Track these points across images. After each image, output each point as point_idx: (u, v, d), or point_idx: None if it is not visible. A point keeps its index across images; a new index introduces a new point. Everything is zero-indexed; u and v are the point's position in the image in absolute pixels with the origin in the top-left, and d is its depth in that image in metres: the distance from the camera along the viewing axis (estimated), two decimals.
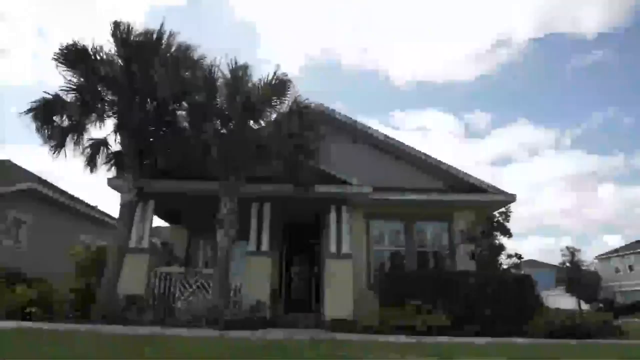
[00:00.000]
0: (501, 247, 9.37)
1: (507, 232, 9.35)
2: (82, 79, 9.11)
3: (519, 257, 9.46)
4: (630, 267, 43.11)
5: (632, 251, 43.06)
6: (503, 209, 9.64)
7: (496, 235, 9.57)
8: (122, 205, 9.66)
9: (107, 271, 9.36)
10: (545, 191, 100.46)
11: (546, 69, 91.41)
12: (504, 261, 9.48)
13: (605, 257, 46.91)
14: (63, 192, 16.81)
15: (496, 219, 9.56)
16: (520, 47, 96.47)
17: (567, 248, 33.38)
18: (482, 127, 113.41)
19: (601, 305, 33.79)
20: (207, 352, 4.50)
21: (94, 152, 10.59)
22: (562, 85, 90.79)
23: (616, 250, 46.22)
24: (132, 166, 9.87)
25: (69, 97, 9.44)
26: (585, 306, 30.94)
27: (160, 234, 21.26)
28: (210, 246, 13.97)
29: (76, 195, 18.41)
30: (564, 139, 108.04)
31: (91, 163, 10.58)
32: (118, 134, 10.15)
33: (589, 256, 42.70)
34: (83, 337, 5.69)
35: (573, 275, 31.66)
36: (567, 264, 33.13)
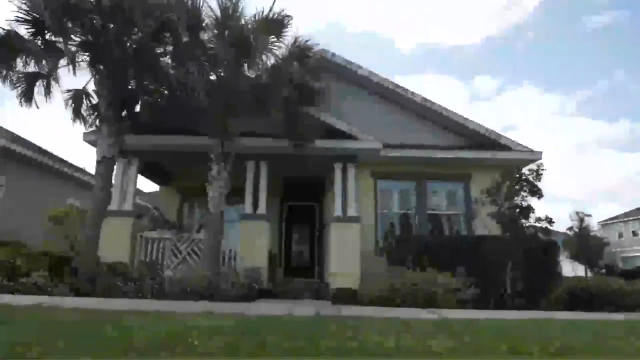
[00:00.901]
0: (529, 209, 8.24)
1: (537, 192, 8.19)
2: (44, 10, 7.60)
3: (550, 220, 8.36)
4: (634, 233, 42.73)
5: (634, 217, 42.53)
6: (533, 166, 8.44)
7: (524, 196, 8.42)
8: (98, 162, 8.45)
9: (83, 236, 8.28)
10: (546, 157, 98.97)
11: (556, 31, 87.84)
12: (532, 225, 8.37)
13: (608, 223, 46.37)
14: (45, 152, 15.53)
15: (524, 177, 8.37)
16: (529, 9, 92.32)
17: (577, 213, 32.44)
18: (487, 91, 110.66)
19: (603, 270, 33.34)
20: (182, 340, 3.42)
21: (78, 104, 9.26)
22: (570, 49, 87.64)
23: (619, 217, 45.69)
24: (108, 117, 8.58)
25: (26, 34, 8.01)
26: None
27: (151, 196, 20.21)
28: (204, 210, 12.87)
29: (67, 158, 17.16)
30: (570, 104, 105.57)
31: (78, 117, 9.28)
32: (93, 79, 8.78)
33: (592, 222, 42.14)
34: (33, 313, 4.64)
35: (582, 241, 30.90)
36: (576, 230, 32.31)
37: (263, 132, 9.71)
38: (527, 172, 8.45)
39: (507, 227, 8.29)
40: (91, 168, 11.29)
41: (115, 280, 7.92)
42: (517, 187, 8.46)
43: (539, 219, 8.48)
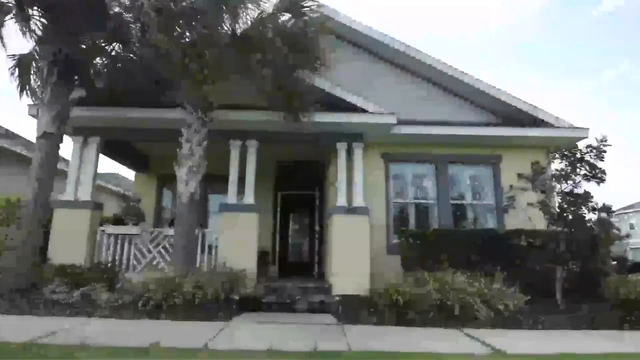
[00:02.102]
0: (587, 197, 6.46)
1: (597, 175, 6.40)
2: None
3: (609, 210, 6.59)
4: None
5: None
6: (594, 144, 6.60)
7: (576, 181, 6.64)
8: (38, 139, 6.67)
9: (20, 232, 6.53)
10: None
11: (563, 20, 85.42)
12: (588, 215, 6.60)
13: (620, 213, 44.67)
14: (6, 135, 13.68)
15: (580, 155, 6.57)
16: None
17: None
18: (491, 81, 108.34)
19: (614, 262, 31.62)
20: None
21: (24, 72, 7.45)
22: (578, 36, 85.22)
23: (631, 206, 44.08)
24: (50, 81, 6.78)
25: None
26: None
27: (123, 183, 18.47)
28: None
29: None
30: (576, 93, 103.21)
31: (25, 89, 7.47)
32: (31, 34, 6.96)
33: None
34: None
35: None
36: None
37: (251, 104, 7.91)
38: (584, 150, 6.63)
39: (559, 218, 6.50)
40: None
41: (58, 288, 6.20)
42: (569, 169, 6.67)
43: (594, 208, 6.71)
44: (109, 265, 7.42)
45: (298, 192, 10.92)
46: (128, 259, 7.80)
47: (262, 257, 9.45)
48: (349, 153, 8.35)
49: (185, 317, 5.29)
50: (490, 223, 8.80)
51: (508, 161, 8.88)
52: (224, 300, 5.74)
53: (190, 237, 6.53)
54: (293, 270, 11.63)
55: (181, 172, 6.65)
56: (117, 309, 5.53)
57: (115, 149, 9.40)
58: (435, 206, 8.89)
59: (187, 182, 6.58)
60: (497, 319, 5.46)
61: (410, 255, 7.26)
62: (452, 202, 8.89)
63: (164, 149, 9.65)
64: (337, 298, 6.49)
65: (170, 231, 7.72)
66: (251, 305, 6.36)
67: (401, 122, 8.25)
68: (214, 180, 9.04)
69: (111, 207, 13.97)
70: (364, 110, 7.93)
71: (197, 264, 7.22)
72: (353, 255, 7.57)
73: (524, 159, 8.35)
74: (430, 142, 8.81)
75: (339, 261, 7.61)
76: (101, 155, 8.68)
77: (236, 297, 5.72)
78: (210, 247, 7.87)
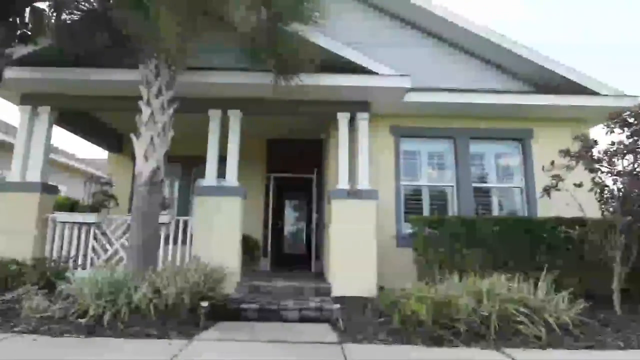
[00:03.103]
0: None
1: None
2: None
3: None
4: None
5: None
6: None
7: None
8: None
9: None
10: None
11: None
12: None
13: None
14: None
15: None
16: None
17: None
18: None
19: None
20: None
21: None
22: None
23: None
24: None
25: None
26: None
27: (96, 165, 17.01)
28: (168, 181, 9.82)
29: None
30: None
31: None
32: None
33: None
34: None
35: None
36: None
37: (232, 66, 6.50)
38: None
39: (623, 203, 5.12)
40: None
41: None
42: (633, 139, 5.26)
43: None
44: (60, 261, 6.10)
45: (293, 174, 9.54)
46: (85, 254, 6.47)
47: (251, 250, 8.14)
48: (352, 126, 6.96)
49: (134, 334, 3.96)
50: (519, 210, 7.43)
51: (541, 136, 7.48)
52: (190, 310, 4.40)
53: (150, 227, 5.16)
54: (288, 263, 10.34)
55: (140, 145, 5.26)
56: (48, 322, 4.20)
57: (76, 122, 8.03)
58: (454, 190, 7.51)
59: (146, 157, 5.19)
60: (549, 336, 4.11)
61: (427, 250, 5.91)
62: (473, 185, 7.50)
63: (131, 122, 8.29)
64: (337, 305, 5.14)
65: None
66: (230, 313, 5.03)
67: (414, 90, 6.82)
68: (201, 162, 7.63)
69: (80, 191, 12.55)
70: (369, 71, 6.49)
71: (161, 261, 5.89)
72: (357, 249, 6.23)
73: (561, 134, 6.97)
74: (448, 113, 7.39)
75: (339, 256, 6.27)
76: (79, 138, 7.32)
77: (205, 305, 4.37)
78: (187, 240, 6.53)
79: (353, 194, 6.46)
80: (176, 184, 9.94)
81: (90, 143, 9.60)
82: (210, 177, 6.57)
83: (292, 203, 14.52)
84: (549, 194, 5.69)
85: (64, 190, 12.27)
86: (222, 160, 6.77)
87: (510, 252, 5.64)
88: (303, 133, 8.62)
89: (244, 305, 5.20)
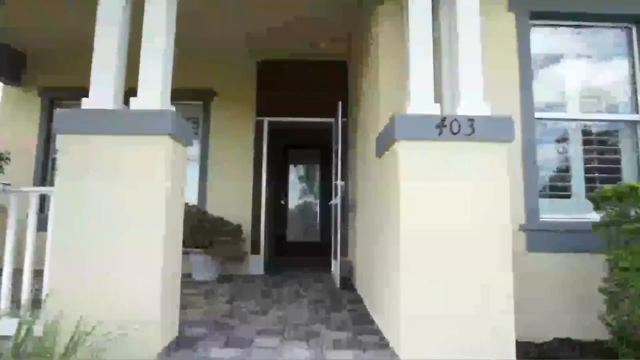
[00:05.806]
0: None
1: None
2: None
3: None
4: None
5: None
6: None
7: None
8: None
9: None
10: None
11: None
12: None
13: None
14: None
15: None
16: None
17: None
18: None
19: None
20: None
21: None
22: None
23: None
24: None
25: None
26: None
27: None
28: None
29: None
30: None
31: None
32: None
33: None
34: None
35: None
36: None
37: None
38: None
39: None
40: None
41: None
42: None
43: None
44: None
45: (301, 117, 5.68)
46: None
47: (233, 241, 4.48)
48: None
49: None
50: None
51: None
52: None
53: None
54: (293, 261, 6.66)
55: None
56: None
57: None
58: (636, 129, 3.59)
59: None
60: None
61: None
62: None
63: (54, 40, 4.59)
64: None
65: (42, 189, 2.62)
66: None
67: None
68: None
69: None
70: None
71: None
72: (463, 258, 2.39)
73: None
74: None
75: (416, 274, 2.42)
76: None
77: None
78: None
79: (449, 124, 2.54)
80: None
81: None
82: (100, 92, 2.67)
83: (300, 167, 10.52)
84: None
85: None
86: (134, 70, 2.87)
87: None
88: (317, 53, 4.69)
89: None
